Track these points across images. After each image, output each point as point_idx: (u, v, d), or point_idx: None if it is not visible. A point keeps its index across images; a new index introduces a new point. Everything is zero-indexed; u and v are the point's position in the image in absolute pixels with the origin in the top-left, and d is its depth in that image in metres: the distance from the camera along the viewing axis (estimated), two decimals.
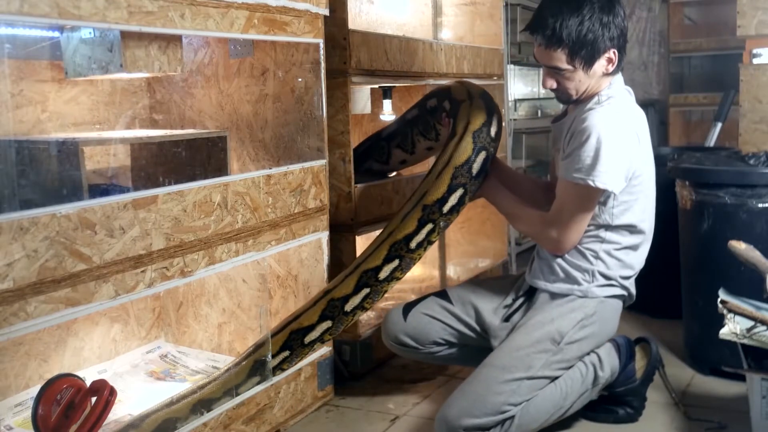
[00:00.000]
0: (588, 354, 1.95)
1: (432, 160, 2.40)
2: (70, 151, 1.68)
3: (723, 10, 4.64)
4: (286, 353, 1.98)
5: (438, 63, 2.72)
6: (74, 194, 1.65)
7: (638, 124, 1.93)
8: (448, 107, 2.19)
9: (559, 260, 1.95)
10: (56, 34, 1.79)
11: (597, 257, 1.93)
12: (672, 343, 2.58)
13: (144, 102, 2.35)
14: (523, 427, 1.84)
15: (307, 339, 1.98)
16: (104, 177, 2.14)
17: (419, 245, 2.00)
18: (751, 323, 1.74)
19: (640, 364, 2.06)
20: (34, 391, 1.81)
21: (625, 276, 1.96)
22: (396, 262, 1.99)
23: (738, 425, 1.95)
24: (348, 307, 1.99)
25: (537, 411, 1.85)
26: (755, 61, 3.13)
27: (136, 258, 1.59)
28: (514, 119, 3.81)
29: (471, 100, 2.11)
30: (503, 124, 2.18)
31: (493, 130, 2.05)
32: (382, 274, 1.99)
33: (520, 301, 2.04)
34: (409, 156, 2.43)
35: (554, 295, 1.95)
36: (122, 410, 1.95)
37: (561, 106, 2.11)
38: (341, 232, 2.32)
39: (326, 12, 2.13)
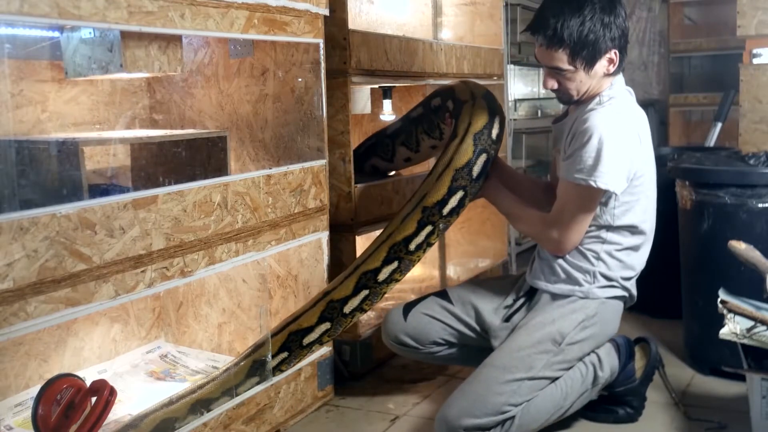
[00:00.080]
0: (588, 354, 1.95)
1: (433, 160, 2.40)
2: (70, 151, 1.67)
3: (723, 10, 4.64)
4: (285, 354, 1.98)
5: (438, 63, 2.72)
6: (74, 194, 1.65)
7: (639, 124, 1.93)
8: (452, 107, 2.18)
9: (560, 261, 1.95)
10: (56, 34, 1.78)
11: (598, 258, 1.93)
12: (672, 343, 2.57)
13: (144, 102, 2.35)
14: (524, 428, 1.84)
15: (306, 340, 1.98)
16: (104, 177, 2.14)
17: (418, 247, 2.00)
18: (751, 323, 1.74)
19: (639, 363, 2.06)
20: (34, 391, 1.81)
21: (626, 277, 1.96)
22: (395, 264, 1.99)
23: (738, 425, 1.95)
24: (347, 309, 1.99)
25: (537, 411, 1.85)
26: (755, 61, 3.13)
27: (136, 258, 1.59)
28: (514, 119, 3.81)
29: (474, 100, 2.10)
30: (505, 125, 2.17)
31: (494, 132, 2.05)
32: (381, 276, 1.99)
33: (521, 301, 2.04)
34: (414, 154, 2.43)
35: (555, 296, 1.95)
36: (122, 410, 1.95)
37: (561, 106, 2.11)
38: (341, 232, 2.32)
39: (326, 12, 2.13)
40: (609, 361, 1.97)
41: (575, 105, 1.99)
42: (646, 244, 1.98)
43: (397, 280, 2.03)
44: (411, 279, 3.09)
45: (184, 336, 2.39)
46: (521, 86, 4.26)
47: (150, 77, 2.34)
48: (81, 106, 2.15)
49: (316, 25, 2.09)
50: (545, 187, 2.20)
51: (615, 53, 1.88)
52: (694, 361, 2.42)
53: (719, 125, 3.72)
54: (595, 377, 1.94)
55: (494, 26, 3.28)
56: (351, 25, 2.25)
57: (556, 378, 1.89)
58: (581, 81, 1.90)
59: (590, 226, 1.92)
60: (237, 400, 1.87)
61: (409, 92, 3.04)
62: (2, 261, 1.34)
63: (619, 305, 1.99)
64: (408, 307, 2.13)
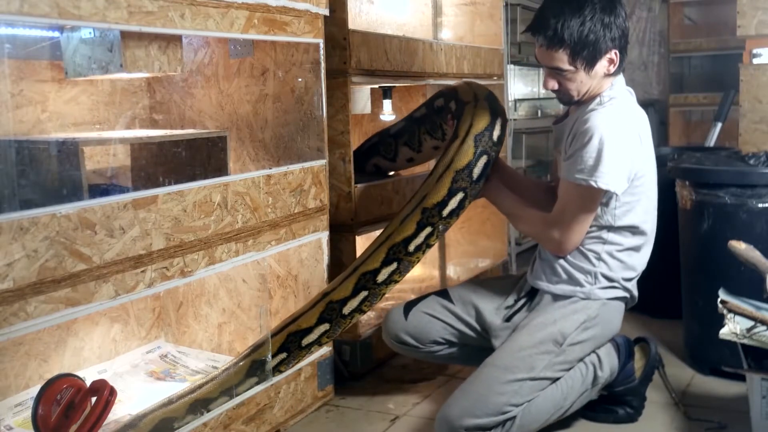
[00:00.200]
0: (588, 354, 1.95)
1: (434, 161, 2.40)
2: (70, 151, 1.67)
3: (723, 10, 4.64)
4: (284, 355, 1.98)
5: (438, 63, 2.72)
6: (74, 194, 1.65)
7: (640, 124, 1.93)
8: (454, 108, 2.18)
9: (562, 261, 1.95)
10: (56, 34, 1.78)
11: (599, 258, 1.93)
12: (672, 343, 2.57)
13: (144, 102, 2.35)
14: (524, 428, 1.84)
15: (305, 341, 1.98)
16: (104, 177, 2.14)
17: (418, 248, 2.00)
18: (751, 323, 1.74)
19: (639, 363, 2.06)
20: (34, 391, 1.81)
21: (627, 278, 1.96)
22: (394, 265, 1.99)
23: (738, 425, 1.95)
24: (346, 310, 1.99)
25: (538, 411, 1.85)
26: (755, 61, 3.13)
27: (136, 258, 1.59)
28: (514, 119, 3.81)
29: (476, 102, 2.10)
30: (507, 127, 2.17)
31: (495, 134, 2.04)
32: (381, 277, 1.99)
33: (522, 301, 2.04)
34: (416, 154, 2.44)
35: (557, 297, 1.95)
36: (122, 410, 1.95)
37: (561, 105, 2.11)
38: (341, 232, 2.32)
39: (326, 12, 2.13)
40: (609, 361, 1.97)
41: (576, 105, 1.99)
42: (647, 244, 1.98)
43: (396, 281, 2.02)
44: (411, 279, 3.09)
45: (184, 336, 2.39)
46: (521, 86, 4.26)
47: (150, 77, 2.33)
48: (81, 106, 2.15)
49: (316, 25, 2.09)
50: (546, 188, 2.20)
51: (615, 53, 1.88)
52: (694, 361, 2.42)
53: (719, 125, 3.72)
54: (595, 377, 1.94)
55: (494, 26, 3.28)
56: (351, 25, 2.25)
57: (557, 378, 1.89)
58: (582, 81, 1.90)
59: (591, 227, 1.92)
60: (237, 400, 1.87)
61: (409, 92, 3.04)
62: (2, 261, 1.34)
63: (621, 306, 1.99)
64: (409, 306, 2.13)
